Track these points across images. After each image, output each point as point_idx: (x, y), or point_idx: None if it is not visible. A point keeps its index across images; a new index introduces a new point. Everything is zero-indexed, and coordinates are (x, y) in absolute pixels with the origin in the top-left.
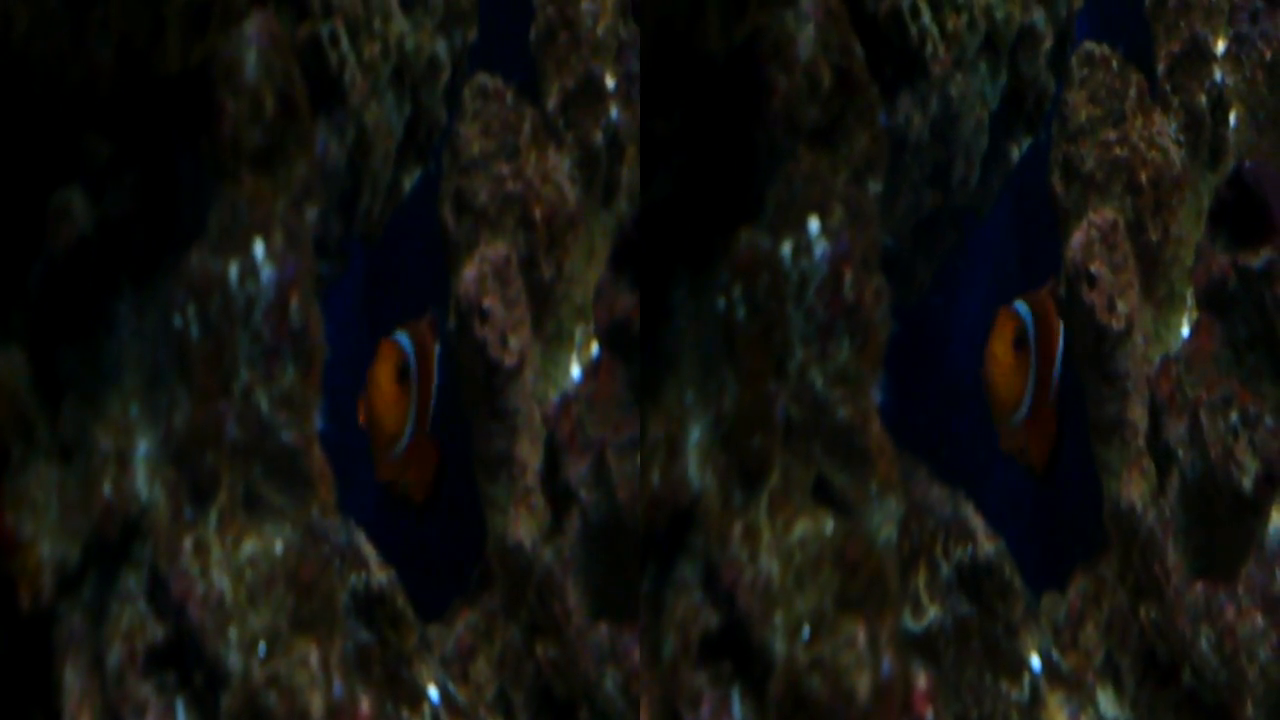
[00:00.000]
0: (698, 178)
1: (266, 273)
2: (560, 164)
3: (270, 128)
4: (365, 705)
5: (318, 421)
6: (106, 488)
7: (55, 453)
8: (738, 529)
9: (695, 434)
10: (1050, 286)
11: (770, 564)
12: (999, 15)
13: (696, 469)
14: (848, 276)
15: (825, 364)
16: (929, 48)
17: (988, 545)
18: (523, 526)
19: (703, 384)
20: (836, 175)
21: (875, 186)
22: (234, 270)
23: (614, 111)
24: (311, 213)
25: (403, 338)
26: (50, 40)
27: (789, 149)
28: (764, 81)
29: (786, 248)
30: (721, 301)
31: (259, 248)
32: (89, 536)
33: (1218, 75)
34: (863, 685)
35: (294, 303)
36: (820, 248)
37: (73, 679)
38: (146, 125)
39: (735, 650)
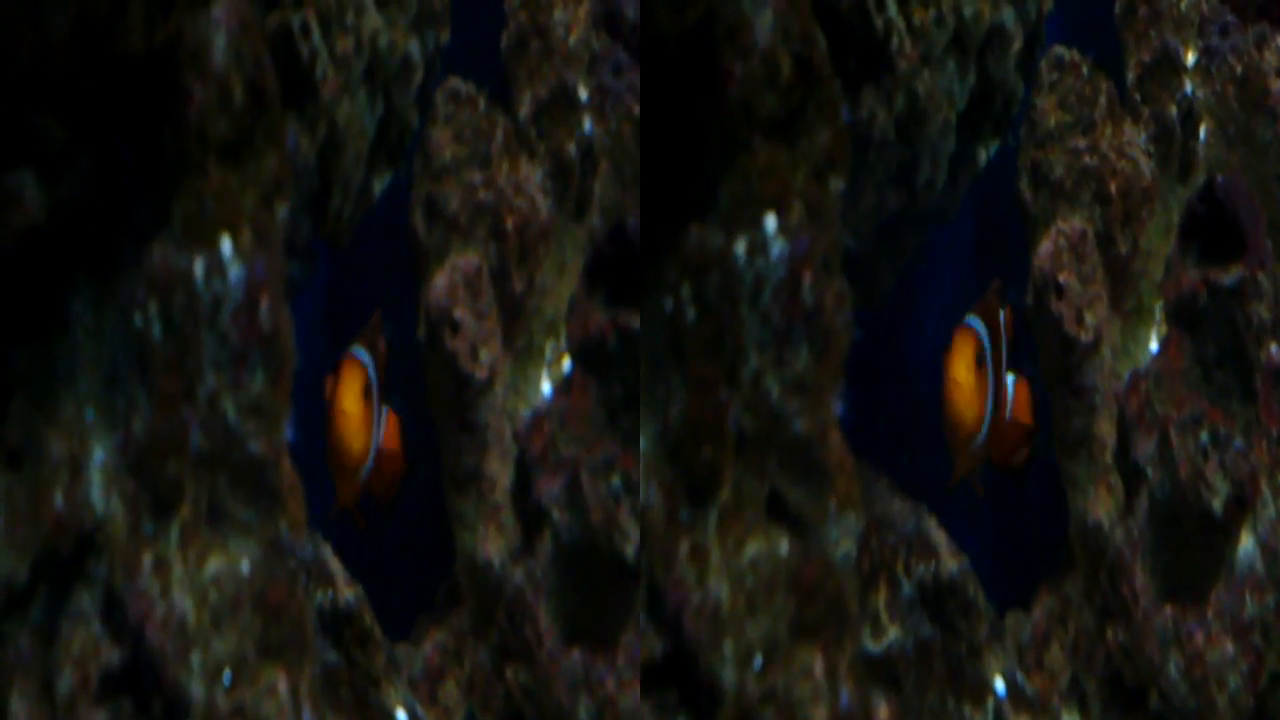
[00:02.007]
0: (645, 167)
1: (234, 271)
2: (532, 175)
3: (239, 118)
4: None
5: (287, 432)
6: (58, 498)
7: (2, 458)
8: (684, 548)
9: (641, 443)
10: (995, 290)
11: (720, 587)
12: (967, 12)
13: (640, 482)
14: (807, 279)
15: (782, 372)
16: (895, 41)
17: (951, 562)
18: (491, 544)
19: (649, 390)
20: (796, 171)
21: (837, 185)
22: (199, 267)
23: (587, 124)
24: (282, 210)
25: (361, 353)
26: (1, 6)
27: (744, 141)
28: (718, 67)
29: (740, 246)
30: (669, 302)
31: (226, 244)
32: (38, 551)
33: (1188, 87)
34: (819, 718)
35: (264, 304)
36: (777, 247)
37: (19, 706)
38: (105, 107)
39: (681, 679)
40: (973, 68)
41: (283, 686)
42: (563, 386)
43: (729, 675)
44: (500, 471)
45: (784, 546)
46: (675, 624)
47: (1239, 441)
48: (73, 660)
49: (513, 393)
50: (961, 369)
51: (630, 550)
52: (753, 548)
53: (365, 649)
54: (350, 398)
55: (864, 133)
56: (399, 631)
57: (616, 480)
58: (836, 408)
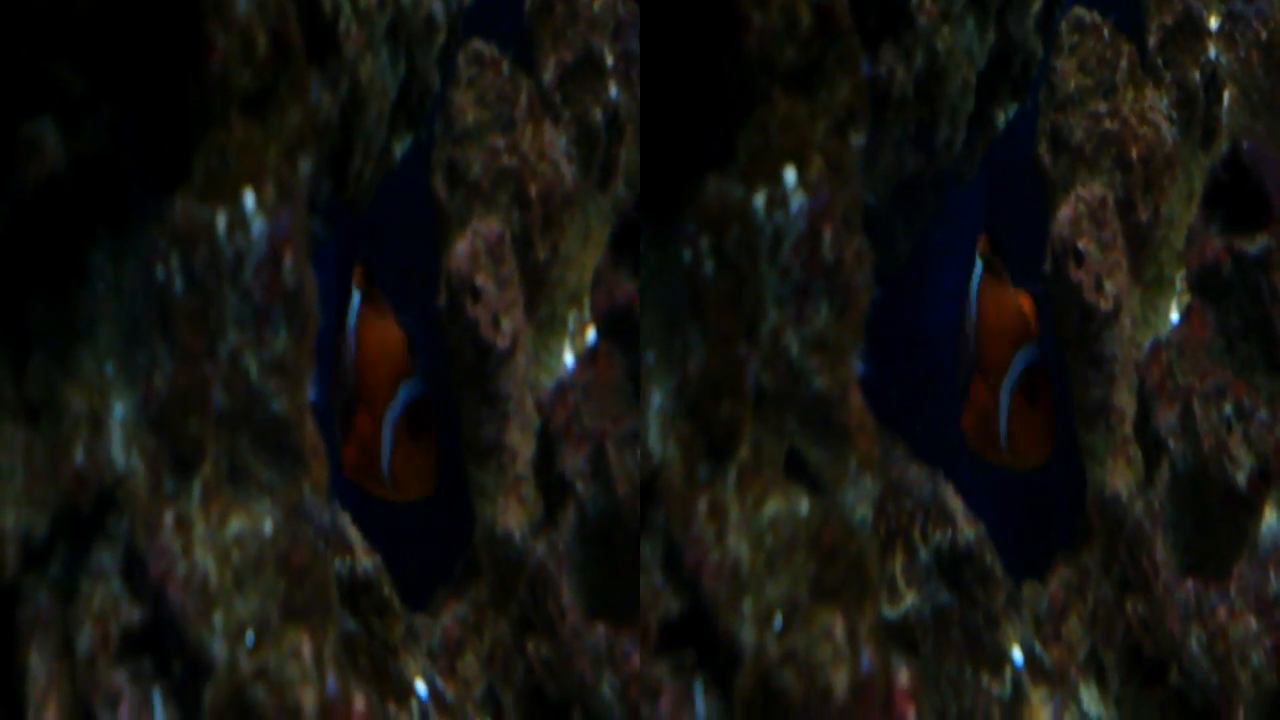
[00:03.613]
0: (662, 117)
1: (258, 226)
2: (556, 141)
3: (262, 69)
4: (359, 703)
5: (310, 392)
6: (78, 453)
7: (21, 413)
8: (702, 505)
9: (657, 399)
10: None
11: (739, 545)
12: None
13: (657, 437)
14: (827, 234)
15: (801, 328)
16: None
17: (968, 530)
18: (512, 516)
19: (666, 344)
20: (815, 123)
21: (858, 140)
22: (222, 221)
23: (613, 90)
24: (305, 165)
25: (418, 386)
26: None
27: (764, 91)
28: (737, 15)
29: (760, 199)
30: (688, 254)
31: (249, 198)
32: (58, 507)
33: (1212, 52)
34: (840, 681)
35: (287, 260)
36: (797, 201)
37: (38, 663)
38: (127, 55)
39: (699, 639)
40: (992, 27)
41: (306, 650)
42: (586, 357)
43: (748, 636)
44: (521, 443)
45: (804, 506)
46: (693, 583)
47: (1263, 414)
48: (92, 618)
49: (535, 363)
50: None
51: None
52: (772, 506)
53: (384, 618)
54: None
55: (883, 90)
56: (417, 603)
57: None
58: (857, 367)
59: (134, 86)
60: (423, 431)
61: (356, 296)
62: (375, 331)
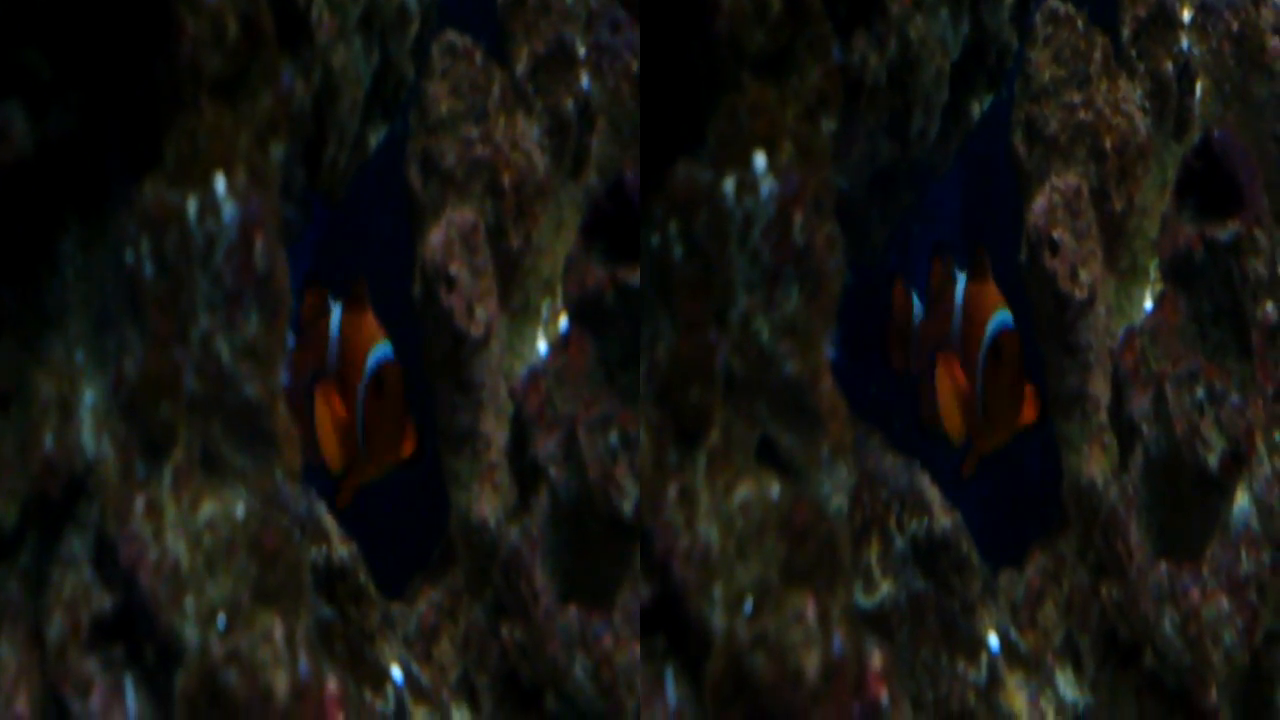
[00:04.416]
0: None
1: (228, 210)
2: (529, 131)
3: (233, 54)
4: (332, 685)
5: (282, 377)
6: (48, 440)
7: None
8: (672, 491)
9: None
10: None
11: (709, 530)
12: None
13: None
14: (797, 219)
15: (771, 313)
16: None
17: (944, 518)
18: (486, 503)
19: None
20: (785, 109)
21: (829, 125)
22: (193, 205)
23: (585, 81)
24: (277, 150)
25: (386, 350)
26: None
27: (733, 76)
28: (706, 0)
29: (729, 184)
30: (656, 238)
31: (220, 182)
32: (28, 494)
33: (1184, 43)
34: (811, 664)
35: (258, 244)
36: (767, 185)
37: (8, 652)
38: (95, 38)
39: (670, 624)
40: (966, 17)
41: (278, 633)
42: (559, 344)
43: (718, 620)
44: (495, 430)
45: (775, 490)
46: (664, 568)
47: (1235, 398)
48: (63, 605)
49: (508, 351)
50: (1014, 378)
51: (628, 507)
52: (743, 491)
53: (359, 605)
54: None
55: (855, 77)
56: (393, 591)
57: (614, 437)
58: (828, 352)
59: (103, 70)
60: (392, 390)
61: (337, 309)
62: (354, 323)
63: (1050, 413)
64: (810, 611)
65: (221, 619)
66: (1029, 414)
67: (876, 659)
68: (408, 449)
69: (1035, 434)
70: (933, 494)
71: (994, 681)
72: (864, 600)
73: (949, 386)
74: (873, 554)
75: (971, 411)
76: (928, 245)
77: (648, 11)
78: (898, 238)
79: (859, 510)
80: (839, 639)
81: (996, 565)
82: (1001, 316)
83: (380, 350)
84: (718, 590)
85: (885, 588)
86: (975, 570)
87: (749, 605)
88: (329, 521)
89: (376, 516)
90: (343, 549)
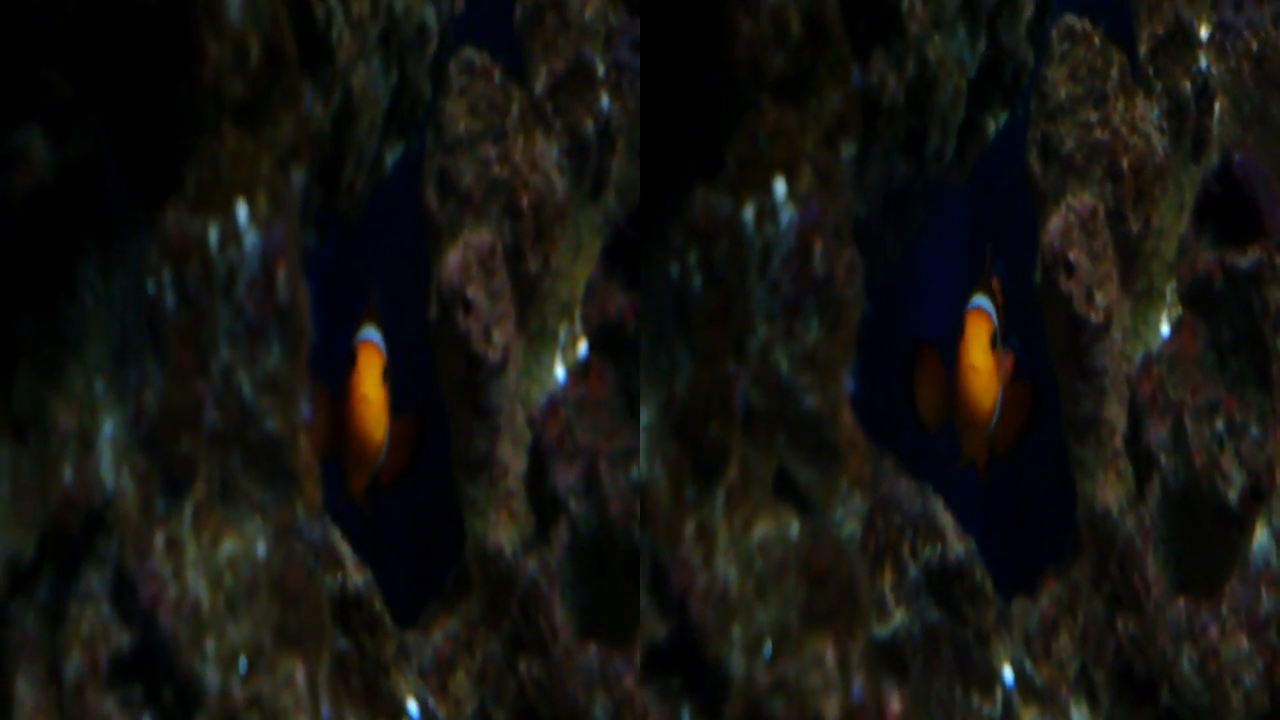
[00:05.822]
0: (649, 126)
1: (250, 239)
2: (548, 151)
3: (255, 78)
4: None
5: (304, 410)
6: (66, 472)
7: (8, 430)
8: (690, 528)
9: (643, 417)
10: (990, 263)
11: (727, 569)
12: None
13: (644, 457)
14: (818, 248)
15: (791, 345)
16: (906, 3)
17: (958, 545)
18: (503, 532)
19: (652, 361)
20: (805, 134)
21: (848, 150)
22: (214, 234)
23: (605, 100)
24: (298, 175)
25: (374, 334)
26: None
27: (752, 101)
28: (725, 23)
29: (749, 212)
30: (675, 268)
31: (242, 210)
32: (46, 527)
33: (1203, 62)
34: (831, 710)
35: (280, 275)
36: (787, 214)
37: (25, 690)
38: (117, 61)
39: (686, 665)
40: (983, 35)
41: (300, 677)
42: (578, 371)
43: (737, 663)
44: (512, 457)
45: (794, 528)
46: (680, 608)
47: (1255, 431)
48: (81, 643)
49: (526, 376)
50: (979, 353)
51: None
52: (761, 529)
53: (375, 635)
54: (371, 383)
55: (874, 99)
56: (406, 619)
57: (636, 471)
58: (848, 384)
59: (124, 94)
60: (367, 365)
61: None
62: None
63: (1065, 436)
64: (830, 656)
65: (243, 662)
66: (1017, 408)
67: (896, 702)
68: (400, 436)
69: (1031, 435)
70: (946, 520)
71: (1008, 715)
72: (878, 630)
73: (927, 375)
74: (886, 583)
75: (945, 395)
76: (934, 259)
77: (662, 33)
78: (907, 255)
79: (872, 537)
80: (859, 683)
81: (1008, 590)
82: (977, 300)
83: (364, 333)
84: (737, 632)
85: (899, 617)
86: (989, 599)
87: (768, 648)
88: (344, 548)
89: (388, 538)
90: (358, 576)
